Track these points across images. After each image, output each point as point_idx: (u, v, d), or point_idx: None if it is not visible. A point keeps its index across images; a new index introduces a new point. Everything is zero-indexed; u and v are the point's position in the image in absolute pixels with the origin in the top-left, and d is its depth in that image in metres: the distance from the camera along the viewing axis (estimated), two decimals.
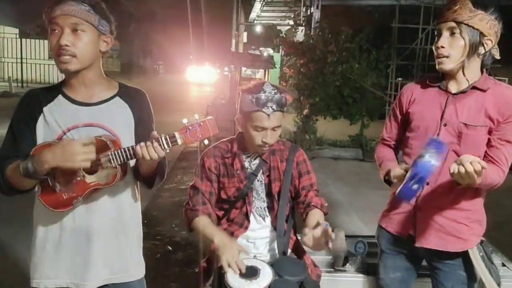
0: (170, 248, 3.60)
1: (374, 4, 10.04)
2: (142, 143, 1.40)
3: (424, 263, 1.86)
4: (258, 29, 16.19)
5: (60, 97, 1.53)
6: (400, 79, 9.36)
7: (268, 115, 1.74)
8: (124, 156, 1.41)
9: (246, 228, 1.89)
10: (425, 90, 1.74)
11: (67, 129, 1.48)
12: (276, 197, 1.90)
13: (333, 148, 8.16)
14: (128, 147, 1.42)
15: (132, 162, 1.52)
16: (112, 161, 1.41)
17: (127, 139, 1.53)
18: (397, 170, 1.66)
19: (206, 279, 1.85)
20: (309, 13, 9.68)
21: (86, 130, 1.48)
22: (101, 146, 1.41)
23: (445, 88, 1.68)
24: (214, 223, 1.85)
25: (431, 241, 1.71)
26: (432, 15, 8.82)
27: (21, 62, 17.60)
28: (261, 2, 11.28)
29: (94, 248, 1.54)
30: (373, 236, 2.02)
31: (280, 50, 9.92)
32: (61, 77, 1.60)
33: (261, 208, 1.92)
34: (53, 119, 1.50)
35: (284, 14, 11.85)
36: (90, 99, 1.54)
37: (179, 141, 1.41)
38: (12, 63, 17.79)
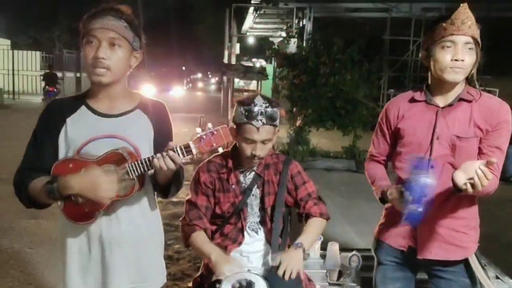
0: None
1: (366, 16, 10.15)
2: (159, 155, 1.42)
3: (420, 275, 1.85)
4: (251, 40, 16.31)
5: (83, 107, 1.55)
6: (392, 90, 9.43)
7: (258, 128, 1.73)
8: (141, 168, 1.43)
9: (240, 243, 1.87)
10: (412, 105, 1.75)
11: (88, 141, 1.49)
12: (269, 211, 1.89)
13: (326, 159, 8.19)
14: (144, 159, 1.44)
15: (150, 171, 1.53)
16: (130, 173, 1.43)
17: (146, 150, 1.55)
18: (393, 193, 1.67)
19: None
20: (301, 25, 9.76)
21: (107, 141, 1.49)
22: (119, 159, 1.43)
23: (431, 102, 1.70)
24: (210, 239, 1.85)
25: (433, 252, 1.72)
26: (423, 27, 8.93)
27: (13, 74, 17.53)
28: (254, 14, 11.35)
29: (119, 256, 1.55)
30: (367, 249, 2.01)
31: (273, 61, 9.97)
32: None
33: (254, 222, 1.91)
34: (75, 130, 1.51)
35: (276, 26, 11.95)
36: (112, 110, 1.55)
37: (194, 151, 1.43)
38: (4, 74, 17.72)
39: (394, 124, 1.79)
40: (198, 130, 1.45)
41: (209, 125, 1.44)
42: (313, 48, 8.07)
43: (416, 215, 1.48)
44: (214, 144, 1.43)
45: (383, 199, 1.76)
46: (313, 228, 1.86)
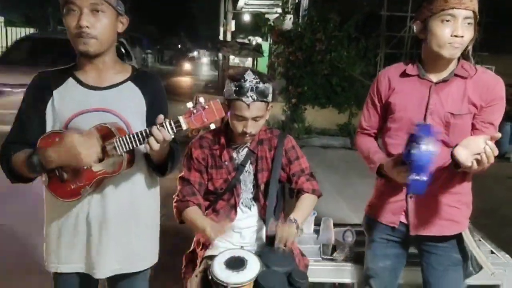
0: None
1: None
2: (146, 129, 1.36)
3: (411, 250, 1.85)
4: (246, 17, 16.06)
5: (70, 80, 1.49)
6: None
7: (248, 104, 1.69)
8: (129, 143, 1.37)
9: (233, 219, 1.86)
10: (403, 79, 1.70)
11: (75, 114, 1.44)
12: (262, 187, 1.87)
13: (321, 136, 8.13)
14: (133, 134, 1.38)
15: (143, 149, 1.47)
16: (117, 148, 1.37)
17: (138, 125, 1.49)
18: (391, 164, 1.62)
19: (191, 270, 1.82)
20: (297, 0, 9.59)
21: (96, 115, 1.44)
22: (106, 134, 1.38)
23: (424, 76, 1.65)
24: (204, 213, 1.83)
25: (427, 228, 1.71)
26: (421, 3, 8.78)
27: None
28: None
29: (106, 236, 1.52)
30: (361, 224, 2.01)
31: (269, 39, 9.83)
32: None
33: (248, 198, 1.90)
34: (62, 103, 1.46)
35: (272, 2, 11.72)
36: (101, 83, 1.49)
37: (184, 126, 1.35)
38: None
39: (385, 96, 1.75)
40: (189, 104, 1.37)
41: (201, 99, 1.36)
42: (309, 24, 7.94)
43: (420, 185, 1.42)
44: (206, 120, 1.35)
45: (380, 173, 1.72)
46: (306, 205, 1.85)
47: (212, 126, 1.41)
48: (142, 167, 1.57)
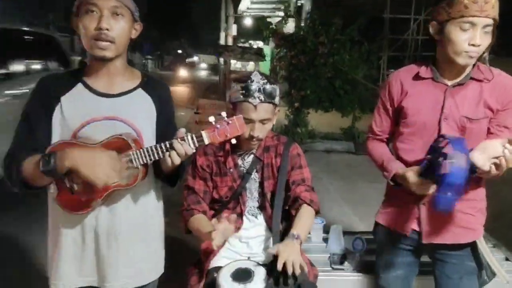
0: None
1: None
2: (167, 142, 1.32)
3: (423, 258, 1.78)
4: (248, 22, 16.03)
5: (79, 85, 1.42)
6: (392, 70, 9.30)
7: (255, 106, 1.63)
8: (148, 156, 1.33)
9: (239, 228, 1.79)
10: (416, 82, 1.63)
11: (85, 122, 1.37)
12: (269, 196, 1.80)
13: (325, 141, 8.07)
14: (151, 147, 1.33)
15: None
16: (134, 161, 1.32)
17: (148, 133, 1.44)
18: (412, 175, 1.53)
19: (197, 282, 1.75)
20: (299, 4, 9.56)
21: (106, 123, 1.38)
22: (123, 145, 1.32)
23: (439, 80, 1.58)
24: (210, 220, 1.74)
25: (440, 235, 1.64)
26: (424, 4, 8.76)
27: None
28: None
29: (116, 250, 1.46)
30: (371, 232, 1.93)
31: (270, 43, 9.81)
32: None
33: (254, 207, 1.83)
34: (71, 110, 1.38)
35: (274, 5, 11.72)
36: (112, 89, 1.42)
37: (206, 141, 1.32)
38: None
39: (398, 100, 1.67)
40: (211, 118, 1.33)
41: (223, 113, 1.33)
42: (311, 28, 7.90)
43: (450, 201, 1.36)
44: (228, 135, 1.33)
45: (395, 181, 1.64)
46: (307, 218, 1.72)
47: (233, 141, 1.37)
48: (152, 179, 1.51)
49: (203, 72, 31.18)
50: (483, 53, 1.52)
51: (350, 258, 2.06)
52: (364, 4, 10.41)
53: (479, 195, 1.66)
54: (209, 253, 1.79)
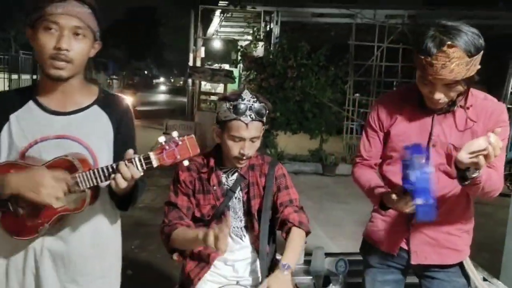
0: (130, 272, 3.34)
1: (331, 22, 10.25)
2: (112, 164, 1.23)
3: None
4: (217, 44, 16.13)
5: (30, 103, 1.34)
6: (357, 94, 9.58)
7: (246, 124, 1.62)
8: (94, 179, 1.23)
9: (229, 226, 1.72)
10: (402, 108, 1.65)
11: (34, 141, 1.30)
12: (256, 216, 1.76)
13: (293, 162, 8.19)
14: (97, 169, 1.24)
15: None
16: (80, 184, 1.23)
17: (104, 153, 1.36)
18: (391, 196, 1.53)
19: None
20: (268, 28, 9.75)
21: (57, 143, 1.30)
22: (67, 167, 1.23)
23: (425, 106, 1.59)
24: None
25: (428, 257, 1.66)
26: (386, 33, 9.13)
27: None
28: (221, 16, 11.23)
29: (65, 275, 1.36)
30: (353, 253, 1.93)
31: (238, 65, 9.91)
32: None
33: (238, 228, 1.79)
34: (20, 129, 1.30)
35: (242, 30, 11.87)
36: (65, 107, 1.35)
37: (155, 163, 1.21)
38: None
39: (387, 125, 1.68)
40: (161, 138, 1.23)
41: (174, 133, 1.23)
42: (280, 52, 8.06)
43: (428, 210, 1.36)
44: (178, 157, 1.22)
45: (384, 206, 1.62)
46: (297, 243, 1.71)
47: (186, 163, 1.27)
48: (105, 201, 1.42)
49: (169, 93, 30.99)
50: (457, 97, 1.51)
51: (334, 281, 2.04)
52: (329, 30, 10.75)
53: (466, 216, 1.68)
54: (193, 277, 1.73)
